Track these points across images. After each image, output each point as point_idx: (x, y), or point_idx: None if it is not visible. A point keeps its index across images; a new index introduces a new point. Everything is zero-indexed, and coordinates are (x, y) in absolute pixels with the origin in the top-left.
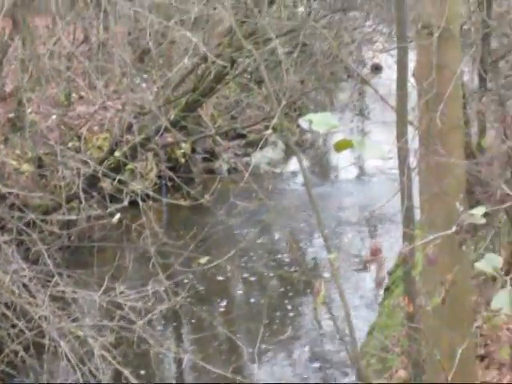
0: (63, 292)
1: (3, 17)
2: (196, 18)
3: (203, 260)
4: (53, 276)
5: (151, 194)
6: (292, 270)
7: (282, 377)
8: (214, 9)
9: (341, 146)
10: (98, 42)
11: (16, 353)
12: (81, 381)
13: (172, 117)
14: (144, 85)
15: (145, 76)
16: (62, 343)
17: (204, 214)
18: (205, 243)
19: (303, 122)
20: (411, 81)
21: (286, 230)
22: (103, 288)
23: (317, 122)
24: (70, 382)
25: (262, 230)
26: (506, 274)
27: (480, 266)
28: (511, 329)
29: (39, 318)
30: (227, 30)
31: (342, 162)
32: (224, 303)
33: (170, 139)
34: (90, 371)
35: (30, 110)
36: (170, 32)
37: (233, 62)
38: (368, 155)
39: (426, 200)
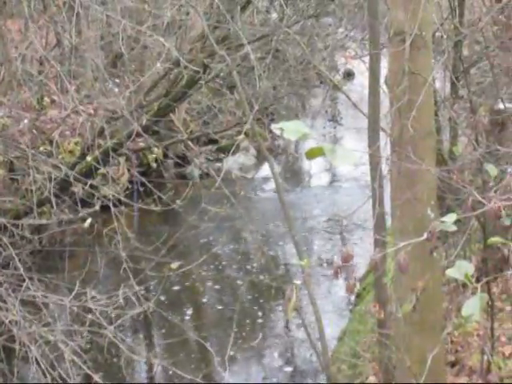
0: (34, 296)
1: None
2: (169, 23)
3: (174, 265)
4: (23, 280)
5: (123, 199)
6: (263, 276)
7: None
8: (187, 14)
9: (312, 154)
10: (70, 46)
11: None
12: None
13: (144, 122)
14: (116, 89)
15: (117, 81)
16: (33, 348)
17: (175, 220)
18: (176, 248)
19: (275, 128)
20: (383, 87)
21: (257, 236)
22: (74, 293)
23: (288, 129)
24: None
25: (234, 236)
26: (477, 281)
27: (451, 272)
28: (481, 335)
29: (10, 322)
30: (200, 35)
31: (314, 168)
32: (195, 309)
33: (141, 144)
34: (61, 376)
35: (1, 114)
36: (143, 37)
37: (205, 67)
38: (339, 162)
39: (398, 206)
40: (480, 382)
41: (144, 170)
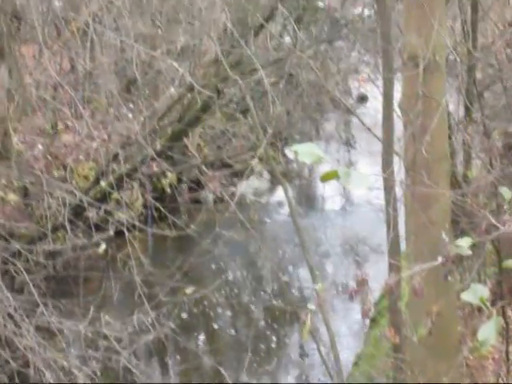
0: (48, 322)
1: None
2: (182, 48)
3: (189, 290)
4: (38, 306)
5: (137, 224)
6: (278, 300)
7: None
8: (201, 39)
9: (326, 177)
10: (84, 71)
11: (0, 383)
12: None
13: (158, 147)
14: (130, 115)
15: (131, 106)
16: (47, 373)
17: (190, 244)
18: (190, 273)
19: (289, 152)
20: (397, 111)
21: (272, 261)
22: (88, 318)
23: (303, 152)
24: None
25: (248, 261)
26: (492, 304)
27: (466, 296)
28: (497, 359)
29: (24, 348)
30: (213, 60)
31: (328, 191)
32: (209, 334)
33: (155, 169)
34: None
35: (16, 140)
36: (157, 62)
37: (219, 91)
38: (354, 186)
39: (412, 230)
40: None
41: (158, 194)
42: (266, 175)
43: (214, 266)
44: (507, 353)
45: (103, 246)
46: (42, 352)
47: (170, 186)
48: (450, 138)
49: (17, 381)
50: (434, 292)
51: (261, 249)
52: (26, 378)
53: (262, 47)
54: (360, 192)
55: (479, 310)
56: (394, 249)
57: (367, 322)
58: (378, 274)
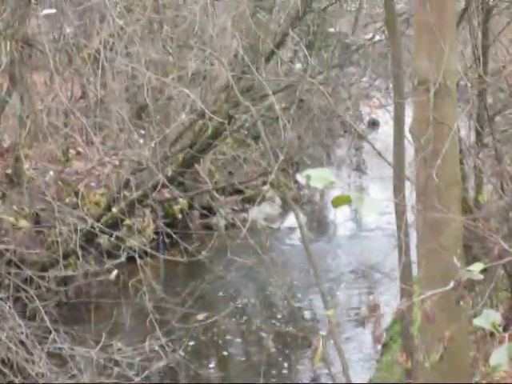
0: (60, 349)
1: (1, 72)
2: (193, 74)
3: (201, 316)
4: (50, 332)
5: (148, 250)
6: (289, 326)
7: None
8: (212, 65)
9: (338, 202)
10: (95, 98)
11: None
12: None
13: (169, 173)
14: (141, 141)
15: (142, 132)
16: None
17: (202, 270)
18: (202, 300)
19: (300, 178)
20: (408, 136)
21: (283, 287)
22: (100, 345)
23: (315, 177)
24: None
25: (260, 287)
26: (505, 329)
27: (478, 322)
28: None
29: (36, 374)
30: (224, 86)
31: (340, 217)
32: (221, 360)
33: (167, 195)
34: None
35: (27, 166)
36: (168, 88)
37: (230, 117)
38: (366, 211)
39: (424, 255)
40: None
41: (169, 221)
42: (278, 201)
43: (225, 292)
44: None
45: (115, 273)
46: (54, 379)
47: (182, 212)
48: (461, 162)
49: None
50: (445, 317)
51: (272, 275)
52: None
53: (272, 73)
54: (371, 217)
55: (491, 335)
56: (405, 274)
57: (379, 347)
58: (389, 300)
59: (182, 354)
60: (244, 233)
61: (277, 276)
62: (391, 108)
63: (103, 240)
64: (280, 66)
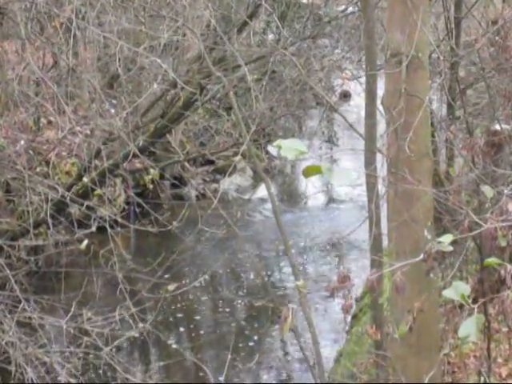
0: (30, 318)
1: None
2: (165, 44)
3: (171, 287)
4: (20, 302)
5: (119, 220)
6: (260, 296)
7: None
8: (184, 35)
9: (309, 172)
10: (67, 67)
11: None
12: None
13: (141, 143)
14: (113, 110)
15: (114, 102)
16: (29, 369)
17: (172, 241)
18: (172, 270)
19: (272, 148)
20: (380, 109)
21: (254, 257)
22: (70, 314)
23: (286, 147)
24: None
25: (231, 257)
26: (474, 301)
27: (448, 293)
28: (478, 356)
29: (6, 343)
30: (196, 57)
31: (311, 188)
32: (191, 330)
33: (138, 165)
34: None
35: None
36: (140, 58)
37: (202, 88)
38: (336, 181)
39: (394, 227)
40: None
41: (140, 191)
42: (249, 172)
43: (196, 263)
44: (488, 350)
45: (85, 242)
46: (24, 348)
47: (153, 182)
48: (432, 135)
49: None
50: (415, 289)
51: (243, 246)
52: (7, 373)
53: (245, 44)
54: (343, 189)
55: (461, 307)
56: (376, 245)
57: (349, 319)
58: (360, 271)
59: (153, 324)
60: (215, 204)
61: (247, 247)
62: (363, 80)
63: (74, 209)
64: (252, 37)
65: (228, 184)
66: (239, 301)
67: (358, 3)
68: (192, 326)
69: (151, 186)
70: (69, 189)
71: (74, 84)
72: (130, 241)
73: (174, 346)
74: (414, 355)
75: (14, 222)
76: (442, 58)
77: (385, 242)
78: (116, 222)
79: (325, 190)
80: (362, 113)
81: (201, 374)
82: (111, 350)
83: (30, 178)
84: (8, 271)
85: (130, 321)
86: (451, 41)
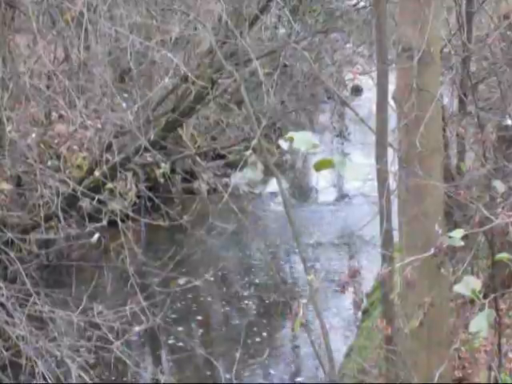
0: (41, 311)
1: None
2: (177, 38)
3: (181, 281)
4: (31, 295)
5: (130, 214)
6: (271, 291)
7: None
8: (195, 29)
9: (321, 166)
10: (78, 61)
11: None
12: None
13: (152, 137)
14: (124, 104)
15: (125, 96)
16: (39, 363)
17: (183, 235)
18: (183, 264)
19: (283, 143)
20: (391, 103)
21: (265, 251)
22: (81, 308)
23: (298, 140)
24: None
25: (241, 252)
26: (485, 297)
27: (458, 288)
28: (489, 351)
29: (16, 337)
30: (208, 51)
31: (322, 183)
32: (202, 324)
33: (149, 159)
34: None
35: (9, 129)
36: (151, 52)
37: (213, 82)
38: (348, 176)
39: (405, 222)
40: None
41: (151, 185)
42: (260, 166)
43: (207, 257)
44: (499, 345)
45: (96, 236)
46: (34, 341)
47: (164, 176)
48: (443, 130)
49: (8, 370)
50: (426, 283)
51: (254, 240)
52: (18, 367)
53: (256, 38)
54: (353, 184)
55: (472, 302)
56: (386, 240)
57: (359, 314)
58: (371, 266)
59: (163, 317)
60: (226, 198)
61: (258, 241)
62: (375, 74)
63: (85, 203)
64: (264, 31)
65: (239, 178)
66: (250, 295)
67: None
68: (202, 320)
69: (162, 180)
70: (80, 183)
71: (85, 78)
72: (141, 235)
73: (185, 340)
74: (424, 350)
75: (25, 215)
76: (453, 52)
77: (395, 237)
78: (127, 215)
79: (336, 184)
80: (373, 107)
81: (211, 369)
82: (122, 343)
83: (41, 172)
84: (19, 265)
85: (141, 315)
86: (463, 35)
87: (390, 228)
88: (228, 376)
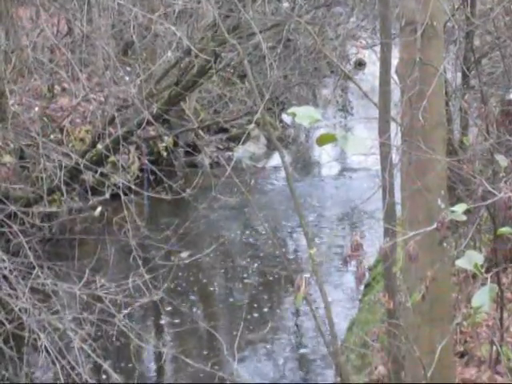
0: (43, 284)
1: None
2: (180, 11)
3: (184, 254)
4: (33, 268)
5: (133, 187)
6: (273, 264)
7: (261, 372)
8: (198, 2)
9: (324, 140)
10: (81, 34)
11: None
12: (60, 373)
13: (155, 110)
14: (127, 78)
15: (128, 69)
16: (42, 336)
17: (186, 208)
18: (186, 237)
19: (286, 117)
20: (394, 77)
21: (268, 225)
22: (84, 281)
23: (300, 115)
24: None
25: (244, 225)
26: (487, 271)
27: (461, 263)
28: (491, 326)
29: (19, 310)
30: (211, 24)
31: (324, 157)
32: (204, 298)
33: (152, 132)
34: (70, 364)
35: (12, 102)
36: (154, 25)
37: (216, 56)
38: (351, 150)
39: (408, 196)
40: (489, 372)
41: (154, 158)
42: (263, 140)
43: (209, 230)
44: (501, 320)
45: (99, 209)
46: (37, 314)
47: (166, 149)
48: (447, 104)
49: (11, 342)
50: (428, 258)
51: (256, 214)
52: (21, 339)
53: (260, 11)
54: (356, 158)
55: (474, 276)
56: (389, 214)
57: (362, 287)
58: (373, 240)
59: (166, 291)
60: (229, 171)
61: (261, 215)
62: (378, 48)
63: (88, 176)
64: (267, 5)
65: (242, 152)
66: (252, 269)
67: None
68: (205, 294)
69: (165, 154)
70: (83, 156)
71: (88, 51)
72: (144, 208)
73: (187, 314)
74: (426, 324)
75: (28, 188)
76: (456, 26)
77: (398, 211)
78: (130, 189)
79: (338, 158)
80: (377, 81)
81: (213, 341)
82: (124, 316)
83: (43, 145)
84: (22, 238)
85: (143, 288)
86: (466, 9)
87: (393, 202)
88: (229, 348)
